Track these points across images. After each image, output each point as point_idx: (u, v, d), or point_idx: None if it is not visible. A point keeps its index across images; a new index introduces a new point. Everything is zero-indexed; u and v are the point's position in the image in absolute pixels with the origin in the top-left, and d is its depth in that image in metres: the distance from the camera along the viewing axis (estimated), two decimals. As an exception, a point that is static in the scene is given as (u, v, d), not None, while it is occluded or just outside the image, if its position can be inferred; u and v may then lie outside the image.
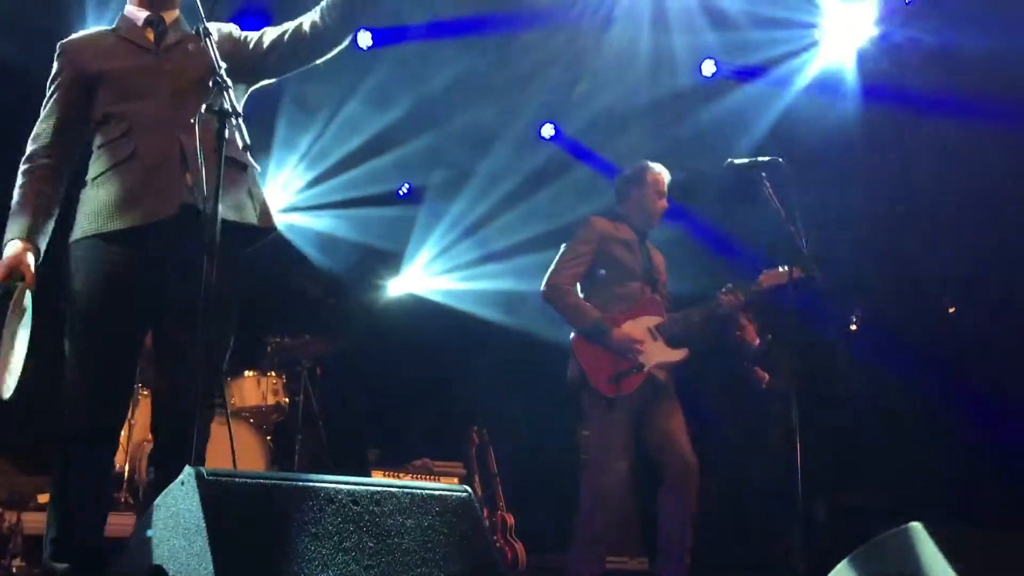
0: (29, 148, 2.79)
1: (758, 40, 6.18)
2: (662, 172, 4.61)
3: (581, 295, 4.49)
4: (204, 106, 2.46)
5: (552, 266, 4.49)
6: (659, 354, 4.36)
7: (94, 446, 2.66)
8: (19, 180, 2.76)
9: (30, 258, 2.64)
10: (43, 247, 2.72)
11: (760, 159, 4.20)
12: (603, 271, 4.46)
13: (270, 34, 2.93)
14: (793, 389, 3.80)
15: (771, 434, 6.47)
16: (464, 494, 2.24)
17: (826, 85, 6.37)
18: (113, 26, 2.94)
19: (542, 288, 4.47)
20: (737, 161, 4.22)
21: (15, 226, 2.68)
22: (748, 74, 6.54)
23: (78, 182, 2.81)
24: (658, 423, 4.31)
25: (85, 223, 2.70)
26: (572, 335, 4.45)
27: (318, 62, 2.97)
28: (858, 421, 6.04)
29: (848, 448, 5.86)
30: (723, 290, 4.48)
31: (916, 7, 5.80)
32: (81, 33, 2.97)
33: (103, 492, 2.77)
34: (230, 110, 2.42)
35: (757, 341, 6.72)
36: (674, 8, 5.96)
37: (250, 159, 2.66)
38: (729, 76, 6.63)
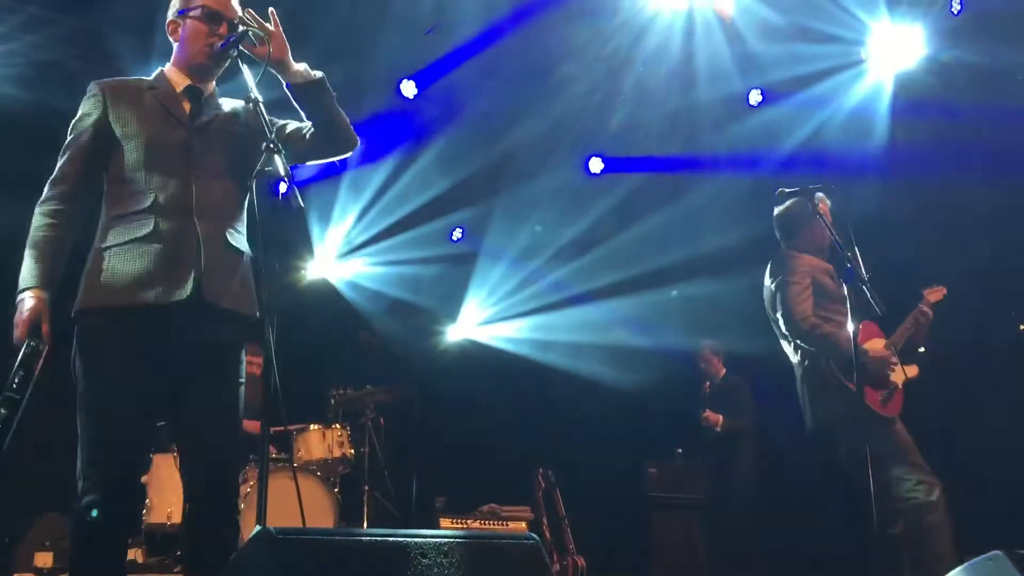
0: (49, 189, 2.69)
1: (802, 55, 6.14)
2: (825, 200, 4.48)
3: None
4: (256, 169, 2.52)
5: (788, 305, 4.32)
6: (902, 372, 4.33)
7: (107, 531, 2.52)
8: (36, 221, 2.66)
9: (47, 315, 2.57)
10: (54, 296, 2.63)
11: (811, 186, 4.16)
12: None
13: (292, 126, 2.89)
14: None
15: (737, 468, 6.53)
16: (531, 542, 2.24)
17: (870, 103, 6.31)
18: (151, 80, 2.82)
19: (794, 326, 4.31)
20: (788, 190, 4.18)
21: (32, 273, 2.60)
22: (790, 94, 6.52)
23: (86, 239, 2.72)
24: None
25: (95, 293, 2.61)
26: (805, 364, 4.35)
27: (339, 157, 2.96)
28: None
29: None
30: (922, 304, 4.47)
31: (963, 25, 5.72)
32: (119, 79, 2.84)
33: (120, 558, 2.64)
34: (283, 174, 2.44)
35: (723, 372, 6.75)
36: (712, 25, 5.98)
37: (247, 247, 2.67)
38: (775, 101, 6.62)
